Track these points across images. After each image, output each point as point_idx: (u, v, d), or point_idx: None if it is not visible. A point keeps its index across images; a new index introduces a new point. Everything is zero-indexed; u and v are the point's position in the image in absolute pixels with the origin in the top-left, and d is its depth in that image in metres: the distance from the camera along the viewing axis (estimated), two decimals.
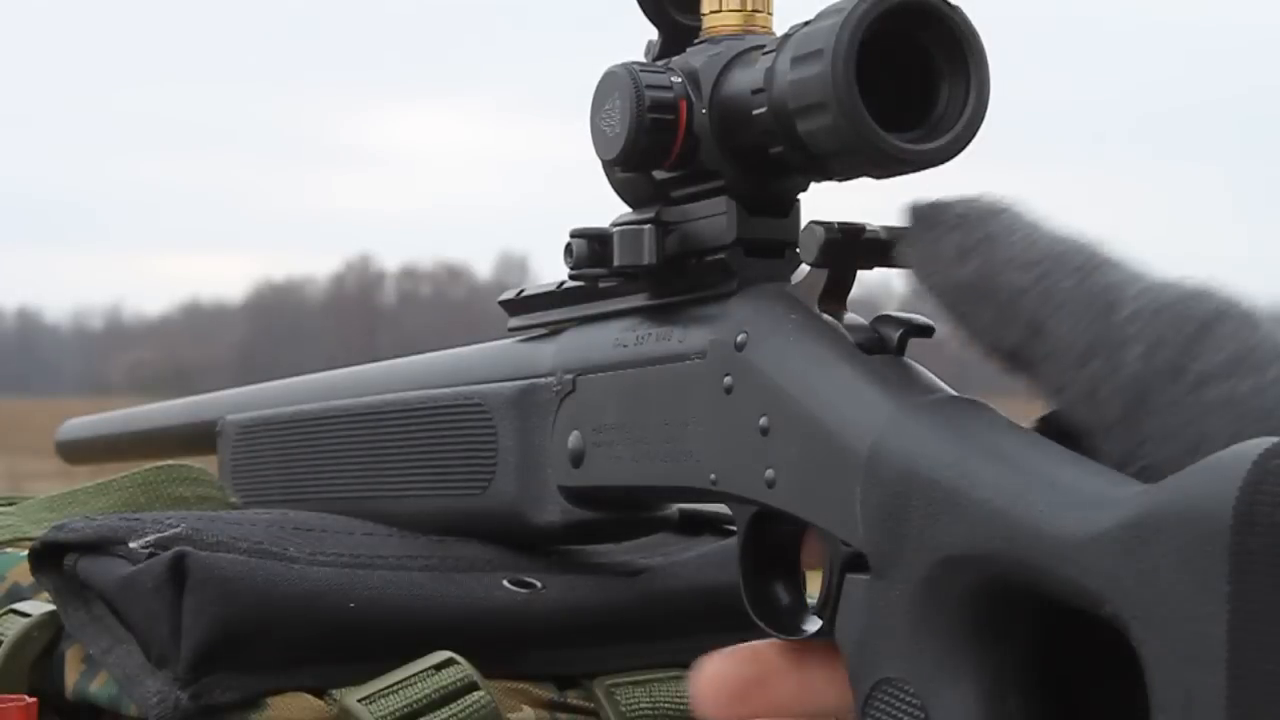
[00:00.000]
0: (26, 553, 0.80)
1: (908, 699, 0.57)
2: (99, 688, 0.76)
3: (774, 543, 0.67)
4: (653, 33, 0.76)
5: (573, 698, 0.78)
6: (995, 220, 0.60)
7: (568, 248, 0.74)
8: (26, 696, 0.73)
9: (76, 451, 1.21)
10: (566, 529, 0.79)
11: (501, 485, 0.80)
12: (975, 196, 0.61)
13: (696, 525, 0.90)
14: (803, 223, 0.66)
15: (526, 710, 0.76)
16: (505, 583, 0.79)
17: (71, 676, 0.77)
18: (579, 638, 0.79)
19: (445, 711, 0.74)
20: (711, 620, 0.82)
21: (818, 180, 0.70)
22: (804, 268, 0.67)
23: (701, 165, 0.71)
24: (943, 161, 0.64)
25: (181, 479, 0.91)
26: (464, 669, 0.75)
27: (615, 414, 0.74)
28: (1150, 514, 0.50)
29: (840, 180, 0.68)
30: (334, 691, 0.74)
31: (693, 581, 0.82)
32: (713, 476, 0.68)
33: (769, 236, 0.71)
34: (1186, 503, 0.49)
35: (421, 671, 0.74)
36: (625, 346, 0.74)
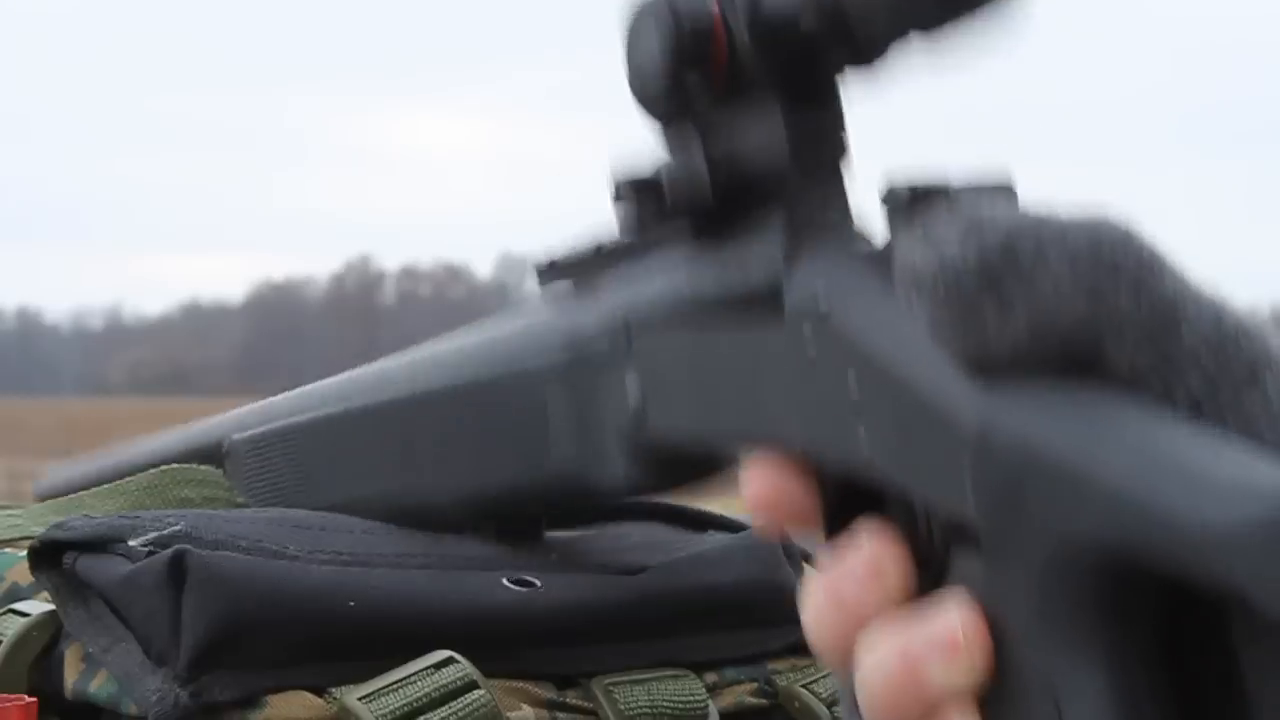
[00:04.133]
0: (25, 552, 0.80)
1: (1037, 678, 0.54)
2: (98, 687, 0.76)
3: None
4: None
5: (572, 697, 0.78)
6: (1022, 250, 0.53)
7: (616, 202, 0.71)
8: (26, 696, 0.73)
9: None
10: (635, 483, 0.75)
11: (557, 455, 0.77)
12: (976, 224, 0.55)
13: (701, 522, 0.90)
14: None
15: (526, 709, 0.76)
16: (505, 581, 0.79)
17: (71, 676, 0.77)
18: (578, 637, 0.79)
19: (445, 710, 0.74)
20: (711, 620, 0.82)
21: (855, 62, 0.64)
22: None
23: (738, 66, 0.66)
24: None
25: (187, 480, 0.91)
26: (463, 668, 0.75)
27: (681, 371, 0.70)
28: None
29: (880, 55, 0.63)
30: (334, 690, 0.74)
31: (693, 581, 0.82)
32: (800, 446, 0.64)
33: (817, 131, 0.66)
34: None
35: (421, 670, 0.74)
36: (679, 290, 0.71)
